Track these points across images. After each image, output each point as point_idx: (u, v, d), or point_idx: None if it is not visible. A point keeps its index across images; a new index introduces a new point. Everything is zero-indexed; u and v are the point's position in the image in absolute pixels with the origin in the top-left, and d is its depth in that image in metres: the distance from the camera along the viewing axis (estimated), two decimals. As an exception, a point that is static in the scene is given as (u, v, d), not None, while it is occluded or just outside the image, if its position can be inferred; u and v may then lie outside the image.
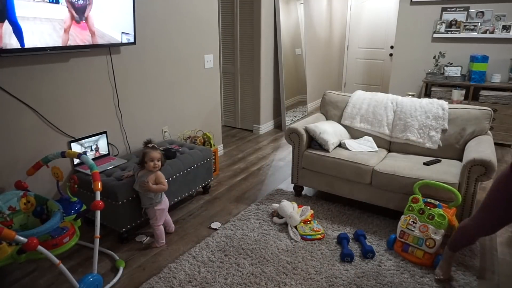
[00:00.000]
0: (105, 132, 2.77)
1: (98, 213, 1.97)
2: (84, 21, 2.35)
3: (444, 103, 2.95)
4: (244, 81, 4.92)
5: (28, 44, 2.09)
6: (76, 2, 2.26)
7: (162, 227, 2.47)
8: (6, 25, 1.96)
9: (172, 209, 2.94)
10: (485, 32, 4.58)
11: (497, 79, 4.54)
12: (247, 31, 4.66)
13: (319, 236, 2.53)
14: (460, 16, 4.76)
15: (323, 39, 6.39)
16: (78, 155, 2.17)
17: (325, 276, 2.17)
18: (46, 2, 2.11)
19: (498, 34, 4.50)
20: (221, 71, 5.02)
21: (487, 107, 2.85)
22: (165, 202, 2.47)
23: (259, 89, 4.79)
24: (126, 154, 2.98)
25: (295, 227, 2.62)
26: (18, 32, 2.03)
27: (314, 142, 3.00)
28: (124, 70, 2.85)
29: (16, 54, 2.16)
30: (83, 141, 2.63)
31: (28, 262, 2.16)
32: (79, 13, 2.30)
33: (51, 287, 2.09)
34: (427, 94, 4.89)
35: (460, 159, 2.72)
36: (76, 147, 2.58)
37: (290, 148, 4.23)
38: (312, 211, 2.77)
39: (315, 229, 2.57)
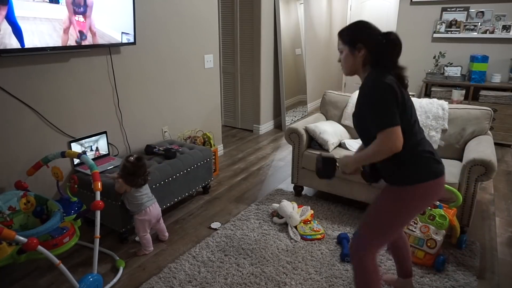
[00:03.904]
0: (105, 132, 2.77)
1: (98, 213, 1.97)
2: (84, 21, 2.35)
3: (444, 103, 2.95)
4: (244, 81, 4.91)
5: (28, 44, 2.09)
6: (76, 2, 2.26)
7: (148, 236, 2.37)
8: (5, 25, 1.96)
9: (172, 209, 2.94)
10: (485, 32, 4.58)
11: (497, 79, 4.54)
12: (247, 31, 4.66)
13: (319, 236, 2.53)
14: (460, 16, 4.76)
15: (323, 39, 6.39)
16: (78, 155, 2.17)
17: (325, 276, 2.17)
18: (46, 2, 2.11)
19: (498, 34, 4.50)
20: (221, 71, 5.01)
21: (487, 107, 2.85)
22: (148, 214, 2.32)
23: (259, 89, 4.79)
24: (126, 154, 2.97)
25: (295, 227, 2.62)
26: (17, 32, 2.03)
27: (314, 142, 3.00)
28: (124, 70, 2.85)
29: (16, 54, 2.16)
30: (83, 141, 2.63)
31: (28, 262, 2.16)
32: (79, 13, 2.30)
33: (51, 287, 2.09)
34: (427, 94, 4.89)
35: (460, 159, 2.72)
36: (76, 147, 2.58)
37: (290, 148, 4.23)
38: (312, 211, 2.77)
39: (315, 229, 2.57)
